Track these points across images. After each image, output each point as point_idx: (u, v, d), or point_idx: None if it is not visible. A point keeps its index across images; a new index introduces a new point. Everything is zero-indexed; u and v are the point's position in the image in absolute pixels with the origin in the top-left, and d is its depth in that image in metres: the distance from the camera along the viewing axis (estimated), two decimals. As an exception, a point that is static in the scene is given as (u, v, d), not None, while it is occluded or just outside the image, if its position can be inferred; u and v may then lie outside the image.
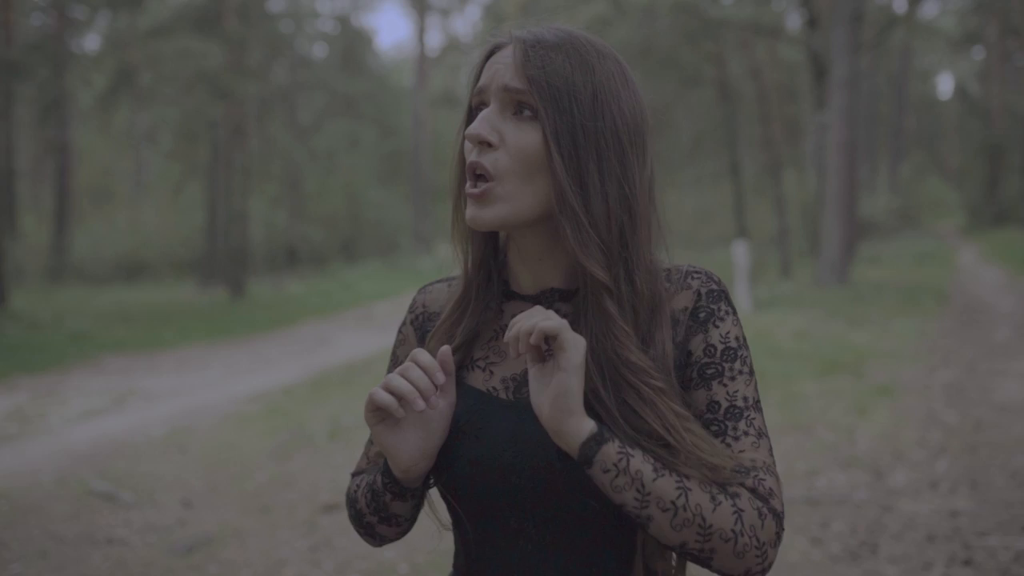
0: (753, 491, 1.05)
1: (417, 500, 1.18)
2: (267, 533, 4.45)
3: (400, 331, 1.29)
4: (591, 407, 1.05)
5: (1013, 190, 31.81)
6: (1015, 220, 30.16)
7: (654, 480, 1.00)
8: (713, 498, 1.02)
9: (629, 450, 1.01)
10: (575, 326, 1.10)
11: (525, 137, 1.08)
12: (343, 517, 4.67)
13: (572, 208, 1.07)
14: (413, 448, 1.10)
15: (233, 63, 14.57)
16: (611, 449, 1.00)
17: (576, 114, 1.07)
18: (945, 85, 60.82)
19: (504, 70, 1.09)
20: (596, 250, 1.07)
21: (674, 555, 1.13)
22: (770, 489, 1.06)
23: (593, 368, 1.06)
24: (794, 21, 20.36)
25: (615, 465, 1.00)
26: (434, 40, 50.69)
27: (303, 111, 26.15)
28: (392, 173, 34.09)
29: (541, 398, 1.01)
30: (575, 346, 1.00)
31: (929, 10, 32.10)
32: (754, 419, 1.10)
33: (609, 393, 1.05)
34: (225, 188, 17.65)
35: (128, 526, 4.58)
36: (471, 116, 1.14)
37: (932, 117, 47.04)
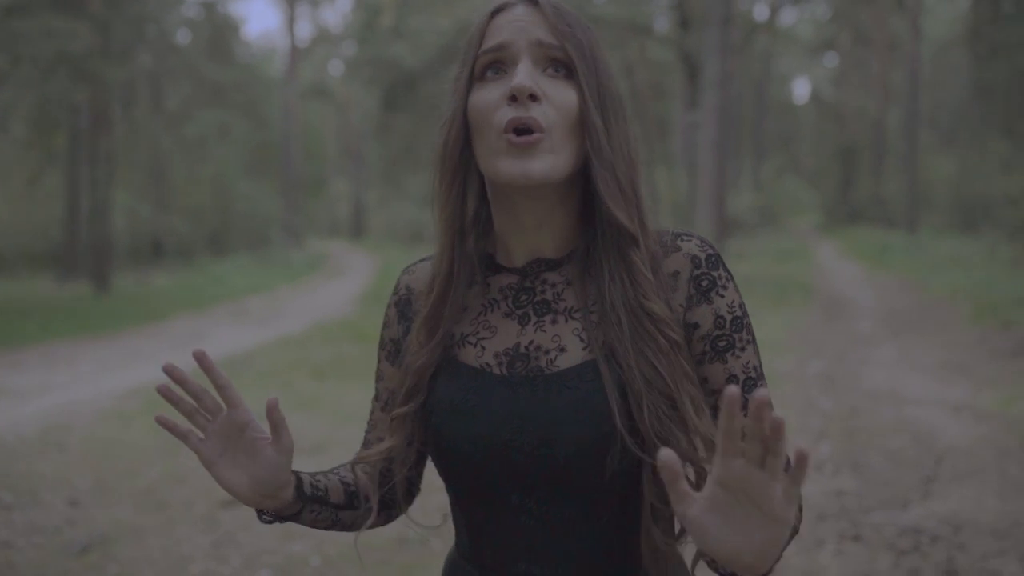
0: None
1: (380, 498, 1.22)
2: (165, 530, 4.29)
3: (385, 313, 1.27)
4: (611, 352, 1.05)
5: (865, 190, 33.42)
6: (867, 219, 31.75)
7: None
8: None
9: None
10: (577, 283, 1.11)
11: (564, 94, 1.06)
12: (244, 512, 4.54)
13: (606, 158, 1.06)
14: (244, 484, 1.08)
15: (98, 46, 13.91)
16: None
17: (599, 74, 1.08)
18: (801, 89, 63.42)
19: (532, 27, 1.07)
20: (623, 202, 1.07)
21: (677, 531, 1.10)
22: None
23: (614, 317, 1.06)
24: (663, 23, 20.86)
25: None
26: (304, 31, 49.66)
27: (169, 99, 25.25)
28: (262, 165, 33.29)
29: (742, 539, 0.83)
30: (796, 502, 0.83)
31: (787, 17, 33.38)
32: (763, 388, 1.11)
33: (628, 343, 1.04)
34: (91, 178, 16.86)
35: (10, 527, 4.34)
36: (473, 78, 1.10)
37: (790, 120, 48.97)
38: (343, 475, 1.24)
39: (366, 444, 1.28)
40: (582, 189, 1.11)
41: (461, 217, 1.14)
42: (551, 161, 1.05)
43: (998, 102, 24.99)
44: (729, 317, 1.10)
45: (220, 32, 30.58)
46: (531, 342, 1.11)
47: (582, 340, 1.09)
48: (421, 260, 1.27)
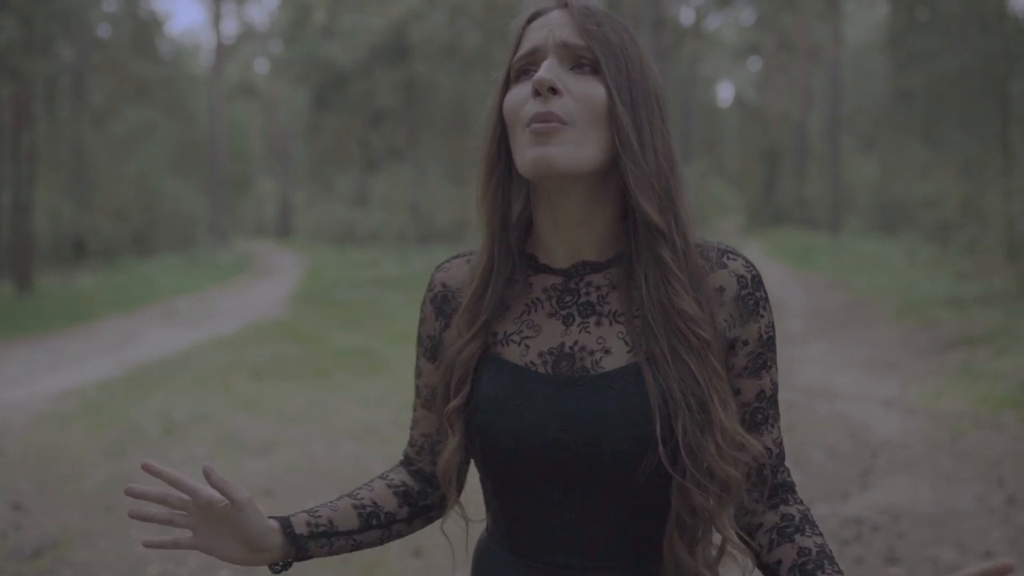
0: (793, 490, 1.20)
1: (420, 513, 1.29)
2: (117, 533, 4.24)
3: (421, 310, 1.28)
4: (651, 357, 1.07)
5: (788, 192, 34.16)
6: (791, 220, 32.48)
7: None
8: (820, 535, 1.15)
9: None
10: (623, 288, 1.13)
11: (589, 87, 1.08)
12: (197, 513, 4.51)
13: (635, 152, 1.07)
14: (240, 551, 1.11)
15: (21, 39, 13.54)
16: None
17: (630, 72, 1.10)
18: (726, 93, 64.51)
19: (560, 29, 1.10)
20: (653, 195, 1.08)
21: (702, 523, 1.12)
22: (791, 482, 1.21)
23: (650, 317, 1.08)
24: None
25: None
26: (229, 28, 48.85)
27: (93, 96, 24.65)
28: (187, 164, 32.69)
29: None
30: None
31: (713, 22, 33.96)
32: (777, 398, 1.20)
33: (663, 343, 1.07)
34: (15, 175, 16.39)
35: (-46, 533, 4.24)
36: (508, 83, 1.13)
37: (715, 123, 49.79)
38: (359, 497, 1.24)
39: (412, 442, 1.31)
40: (621, 192, 1.13)
41: (501, 211, 1.16)
42: (573, 150, 1.06)
43: (916, 107, 25.81)
44: (767, 336, 1.16)
45: (144, 28, 29.96)
46: (576, 343, 1.12)
47: (626, 343, 1.11)
48: (455, 257, 1.28)
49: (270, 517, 1.14)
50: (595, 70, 1.08)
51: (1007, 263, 12.67)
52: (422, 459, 1.30)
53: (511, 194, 1.17)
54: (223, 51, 35.55)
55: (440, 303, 1.24)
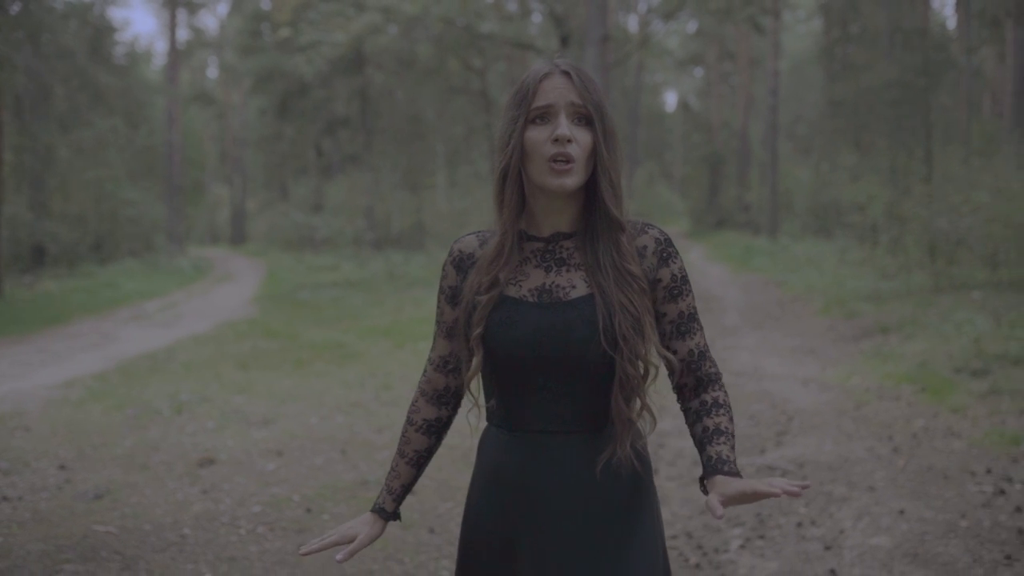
0: (719, 378, 1.80)
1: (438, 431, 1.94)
2: (156, 484, 5.05)
3: (443, 270, 1.85)
4: (601, 291, 1.68)
5: (730, 197, 35.35)
6: (733, 224, 33.68)
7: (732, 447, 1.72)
8: (730, 414, 1.77)
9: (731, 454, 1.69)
10: (582, 249, 1.72)
11: (586, 137, 1.67)
12: (221, 470, 5.34)
13: (611, 177, 1.69)
14: (366, 534, 1.86)
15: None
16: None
17: (605, 121, 1.70)
18: (673, 99, 65.85)
19: (568, 92, 1.67)
20: (614, 201, 1.69)
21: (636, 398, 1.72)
22: (717, 371, 1.80)
23: (609, 274, 1.69)
24: (552, 41, 22.07)
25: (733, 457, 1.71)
26: (181, 35, 48.94)
27: (59, 104, 25.03)
28: (143, 171, 33.01)
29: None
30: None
31: (657, 30, 35.12)
32: (697, 318, 1.80)
33: (613, 286, 1.68)
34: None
35: (14, 487, 5.01)
36: (528, 120, 1.68)
37: (661, 129, 51.01)
38: (407, 454, 1.91)
39: (431, 361, 1.89)
40: (585, 191, 1.73)
41: (517, 208, 1.73)
42: (577, 179, 1.67)
43: (847, 116, 27.12)
44: (680, 275, 1.76)
45: (100, 35, 30.27)
46: (553, 282, 1.72)
47: (585, 283, 1.70)
48: (467, 234, 1.85)
49: (370, 511, 1.90)
50: (588, 123, 1.68)
51: (927, 262, 13.82)
52: (439, 374, 1.88)
53: (524, 193, 1.76)
54: (178, 58, 35.90)
55: (458, 263, 1.81)
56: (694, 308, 1.79)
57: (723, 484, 1.60)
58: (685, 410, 1.81)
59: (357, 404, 7.18)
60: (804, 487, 1.52)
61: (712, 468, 1.66)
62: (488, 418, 1.82)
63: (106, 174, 25.65)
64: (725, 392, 1.80)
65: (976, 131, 20.31)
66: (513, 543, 1.74)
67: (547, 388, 1.69)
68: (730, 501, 1.57)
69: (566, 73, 1.69)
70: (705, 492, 1.66)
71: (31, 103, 23.38)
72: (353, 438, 6.05)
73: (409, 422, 1.91)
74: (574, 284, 1.71)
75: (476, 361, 1.73)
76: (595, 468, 1.70)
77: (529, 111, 1.68)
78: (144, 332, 12.78)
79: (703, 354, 1.79)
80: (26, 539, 4.12)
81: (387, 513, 1.89)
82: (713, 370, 1.80)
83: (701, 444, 1.73)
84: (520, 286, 1.72)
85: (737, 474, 1.64)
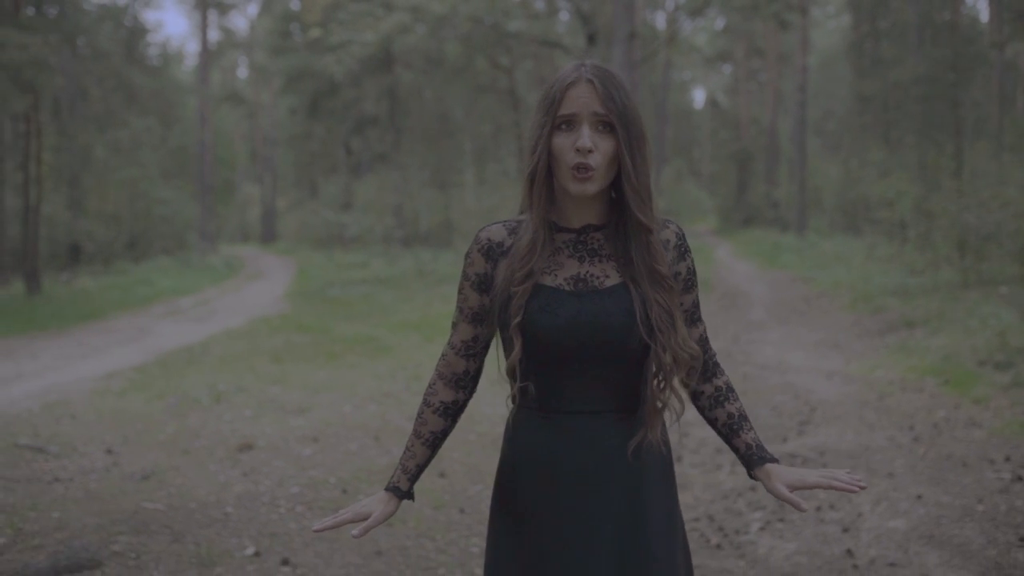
0: (718, 365, 1.95)
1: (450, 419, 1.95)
2: (199, 467, 5.27)
3: (468, 256, 1.86)
4: (633, 280, 1.76)
5: (758, 194, 35.33)
6: (761, 221, 33.66)
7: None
8: (739, 400, 1.95)
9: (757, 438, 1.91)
10: (611, 240, 1.80)
11: (608, 145, 1.72)
12: (260, 455, 5.56)
13: (633, 183, 1.74)
14: (380, 512, 1.87)
15: (39, 55, 14.49)
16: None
17: (631, 129, 1.74)
18: (701, 96, 65.68)
19: (591, 102, 1.71)
20: (643, 205, 1.75)
21: (663, 380, 1.80)
22: (717, 362, 1.95)
23: (642, 273, 1.76)
24: (579, 39, 22.21)
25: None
26: (212, 36, 49.55)
27: (95, 105, 25.52)
28: (176, 170, 33.55)
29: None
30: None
31: (684, 28, 35.13)
32: (699, 308, 1.94)
33: (647, 287, 1.76)
34: (32, 181, 17.30)
35: (65, 470, 5.25)
36: (555, 126, 1.74)
37: (689, 127, 50.95)
38: (423, 435, 1.93)
39: (452, 344, 1.92)
40: (613, 185, 1.79)
41: (548, 204, 1.79)
42: (597, 185, 1.73)
43: (876, 111, 27.04)
44: (693, 268, 1.89)
45: (134, 37, 30.80)
46: (587, 272, 1.78)
47: (618, 272, 1.78)
48: (493, 223, 1.89)
49: (384, 490, 1.91)
50: (611, 130, 1.73)
51: (957, 258, 13.81)
52: (459, 358, 1.92)
53: (553, 189, 1.82)
54: (209, 58, 36.39)
55: (487, 251, 1.84)
56: (698, 299, 1.93)
57: (782, 474, 1.83)
58: (697, 393, 1.94)
59: (389, 394, 7.38)
60: (861, 487, 1.80)
61: (759, 458, 1.87)
62: (520, 402, 1.86)
63: (140, 173, 26.14)
64: (727, 376, 1.98)
65: (1008, 126, 20.22)
66: (541, 518, 1.81)
67: (583, 372, 1.77)
68: (794, 489, 1.79)
69: (591, 81, 1.74)
70: (752, 477, 1.88)
71: (68, 104, 23.88)
72: (386, 425, 6.25)
73: (426, 404, 1.94)
74: (607, 274, 1.79)
75: (517, 348, 1.76)
76: (626, 448, 1.78)
77: (555, 118, 1.74)
78: (179, 327, 13.08)
79: (707, 340, 1.94)
80: (81, 514, 4.35)
81: (401, 492, 1.91)
82: (715, 356, 1.96)
83: (729, 430, 1.91)
84: (556, 275, 1.79)
85: (776, 460, 1.86)
